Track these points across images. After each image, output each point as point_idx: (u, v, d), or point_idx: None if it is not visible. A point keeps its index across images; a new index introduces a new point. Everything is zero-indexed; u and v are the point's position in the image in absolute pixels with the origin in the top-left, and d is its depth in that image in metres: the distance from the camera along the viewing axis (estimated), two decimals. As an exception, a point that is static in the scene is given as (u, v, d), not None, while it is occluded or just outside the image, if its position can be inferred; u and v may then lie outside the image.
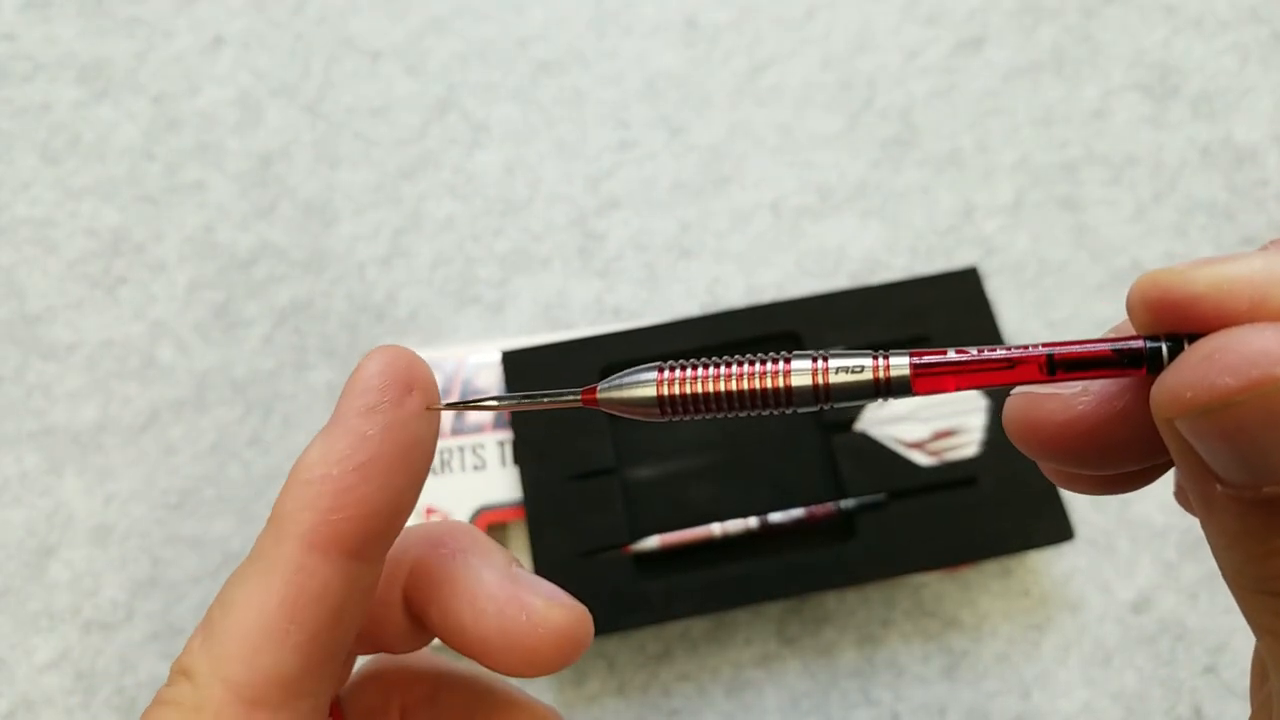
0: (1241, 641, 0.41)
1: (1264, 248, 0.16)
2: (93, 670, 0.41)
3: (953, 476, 0.40)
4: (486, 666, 0.22)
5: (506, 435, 0.42)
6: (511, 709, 0.24)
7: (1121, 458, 0.19)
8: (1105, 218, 0.48)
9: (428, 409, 0.20)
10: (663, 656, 0.41)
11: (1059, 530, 0.39)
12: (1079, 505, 0.42)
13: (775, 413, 0.18)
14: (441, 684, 0.25)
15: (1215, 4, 0.52)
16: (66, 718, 0.40)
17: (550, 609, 0.21)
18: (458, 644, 0.22)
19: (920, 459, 0.40)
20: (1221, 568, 0.17)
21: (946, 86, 0.51)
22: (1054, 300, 0.46)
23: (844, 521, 0.40)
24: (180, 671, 0.20)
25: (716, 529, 0.39)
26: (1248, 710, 0.41)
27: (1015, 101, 0.50)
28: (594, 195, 0.49)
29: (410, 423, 0.20)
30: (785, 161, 0.49)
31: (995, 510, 0.39)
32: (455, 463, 0.41)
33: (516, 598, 0.21)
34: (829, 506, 0.39)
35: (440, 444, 0.42)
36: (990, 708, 0.40)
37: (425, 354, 0.39)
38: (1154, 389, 0.16)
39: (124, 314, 0.47)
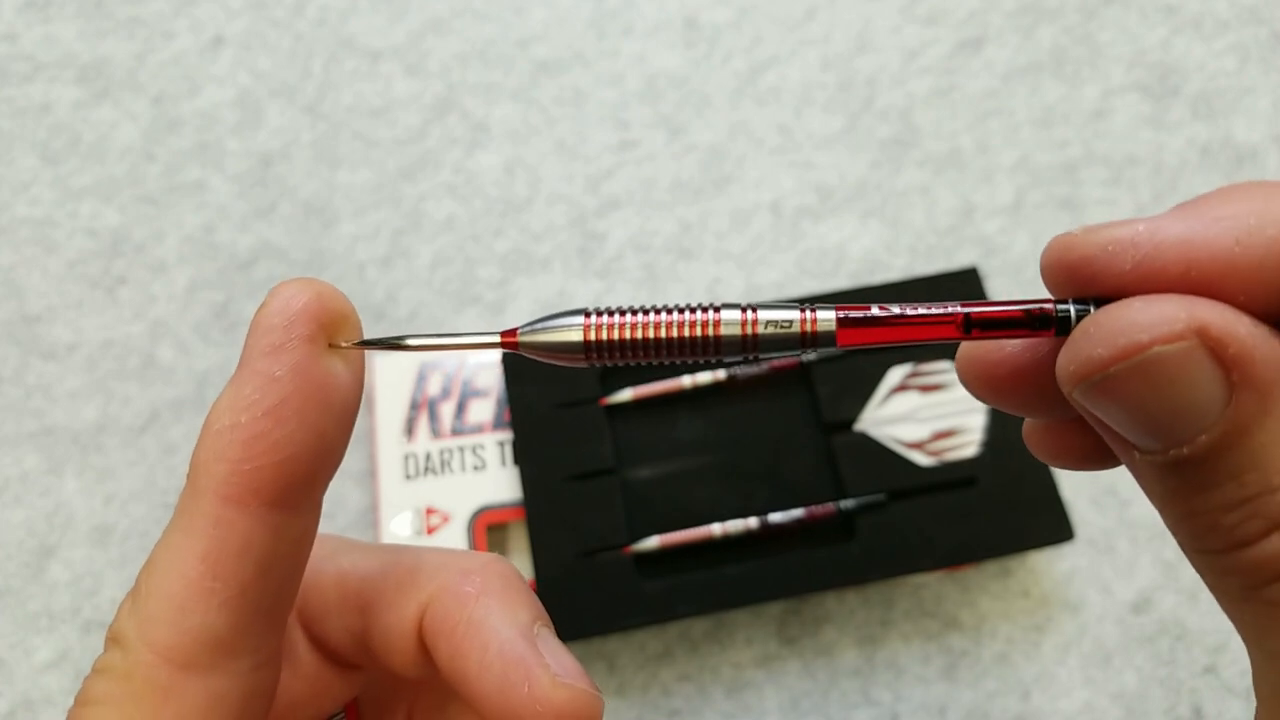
0: (1241, 641, 0.41)
1: (1178, 207, 0.17)
2: (93, 670, 0.41)
3: (953, 477, 0.40)
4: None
5: (506, 435, 0.42)
6: None
7: (1059, 402, 0.19)
8: (1105, 218, 0.48)
9: (330, 345, 0.19)
10: (663, 656, 0.41)
11: (1059, 530, 0.39)
12: (1079, 505, 0.42)
13: (701, 361, 0.19)
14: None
15: (1215, 4, 0.52)
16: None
17: (555, 688, 0.20)
18: (458, 688, 0.21)
19: (920, 459, 0.40)
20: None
21: (946, 86, 0.51)
22: (1054, 300, 0.46)
23: (844, 521, 0.40)
24: (111, 639, 0.19)
25: (716, 529, 0.39)
26: (1248, 710, 0.41)
27: (1015, 101, 0.50)
28: (594, 195, 0.49)
29: (322, 360, 0.18)
30: (785, 161, 0.49)
31: (995, 510, 0.39)
32: (455, 463, 0.41)
33: (524, 663, 0.20)
34: (829, 506, 0.39)
35: (440, 444, 0.42)
36: (990, 708, 0.40)
37: (425, 354, 0.39)
38: (1056, 364, 0.17)
39: (124, 314, 0.47)
